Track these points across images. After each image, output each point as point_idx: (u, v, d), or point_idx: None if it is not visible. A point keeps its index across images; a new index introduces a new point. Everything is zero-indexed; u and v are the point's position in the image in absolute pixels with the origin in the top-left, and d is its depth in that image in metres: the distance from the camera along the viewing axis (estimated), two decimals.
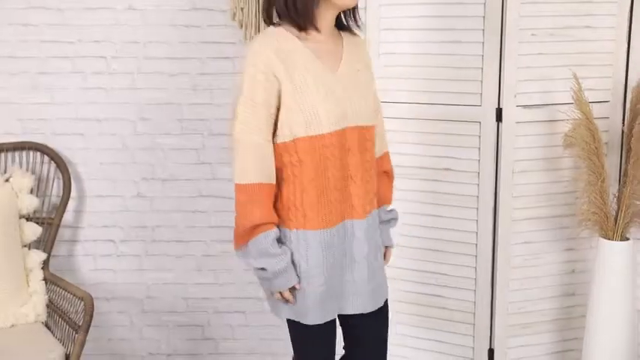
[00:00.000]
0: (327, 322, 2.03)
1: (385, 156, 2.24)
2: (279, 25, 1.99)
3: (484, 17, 2.65)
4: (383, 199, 2.21)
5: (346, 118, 1.98)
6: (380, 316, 2.14)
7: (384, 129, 2.24)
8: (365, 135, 2.04)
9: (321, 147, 1.94)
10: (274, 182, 1.97)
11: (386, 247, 2.24)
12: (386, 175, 2.24)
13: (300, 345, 2.09)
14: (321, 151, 1.95)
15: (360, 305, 2.08)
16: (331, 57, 2.01)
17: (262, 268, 1.95)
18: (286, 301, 2.00)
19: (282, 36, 1.95)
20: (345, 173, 2.00)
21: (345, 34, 2.08)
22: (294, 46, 1.95)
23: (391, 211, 2.26)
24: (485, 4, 2.63)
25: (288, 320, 2.06)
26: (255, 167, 1.93)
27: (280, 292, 1.98)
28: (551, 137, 2.74)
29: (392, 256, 2.30)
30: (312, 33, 1.98)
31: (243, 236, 1.95)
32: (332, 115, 1.95)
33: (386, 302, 2.17)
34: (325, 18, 1.99)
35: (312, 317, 2.01)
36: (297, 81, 1.93)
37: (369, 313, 2.10)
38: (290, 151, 1.95)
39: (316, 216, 1.97)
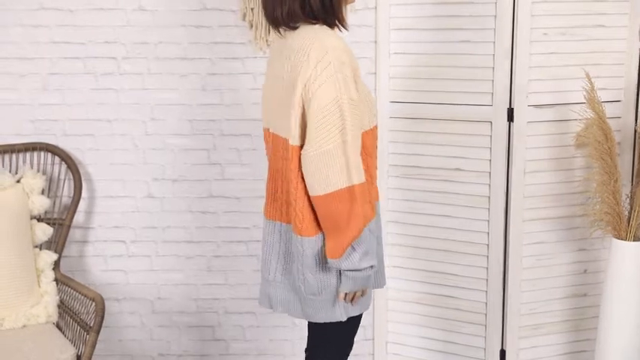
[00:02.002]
0: None
1: None
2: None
3: (495, 16, 2.63)
4: None
5: None
6: None
7: None
8: None
9: (375, 138, 2.03)
10: None
11: None
12: None
13: (344, 339, 2.10)
14: (375, 142, 2.03)
15: (383, 280, 2.17)
16: None
17: (371, 267, 1.90)
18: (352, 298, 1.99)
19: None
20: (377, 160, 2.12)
21: None
22: None
23: None
24: (496, 3, 2.62)
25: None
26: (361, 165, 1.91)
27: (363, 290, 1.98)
28: (562, 137, 2.72)
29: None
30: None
31: (353, 239, 1.87)
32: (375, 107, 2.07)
33: None
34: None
35: (369, 302, 2.07)
36: (359, 75, 1.95)
37: None
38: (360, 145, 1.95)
39: (374, 203, 2.02)
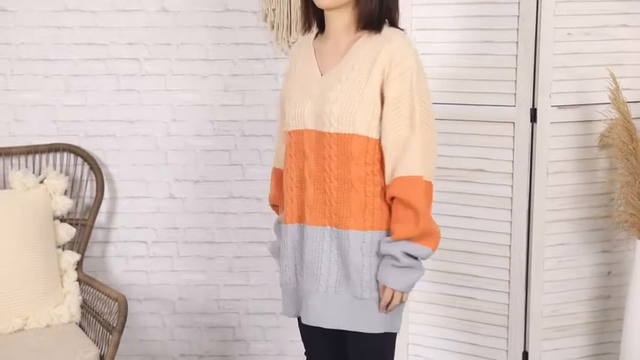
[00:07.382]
0: None
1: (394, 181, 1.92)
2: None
3: (518, 16, 2.62)
4: (377, 224, 1.95)
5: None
6: None
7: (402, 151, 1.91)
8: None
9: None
10: None
11: None
12: (392, 201, 1.94)
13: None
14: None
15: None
16: (330, 57, 1.97)
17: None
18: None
19: None
20: None
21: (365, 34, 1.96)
22: None
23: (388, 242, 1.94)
24: (519, 3, 2.60)
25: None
26: None
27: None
28: (586, 138, 2.70)
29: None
30: None
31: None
32: None
33: None
34: None
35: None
36: None
37: None
38: None
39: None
